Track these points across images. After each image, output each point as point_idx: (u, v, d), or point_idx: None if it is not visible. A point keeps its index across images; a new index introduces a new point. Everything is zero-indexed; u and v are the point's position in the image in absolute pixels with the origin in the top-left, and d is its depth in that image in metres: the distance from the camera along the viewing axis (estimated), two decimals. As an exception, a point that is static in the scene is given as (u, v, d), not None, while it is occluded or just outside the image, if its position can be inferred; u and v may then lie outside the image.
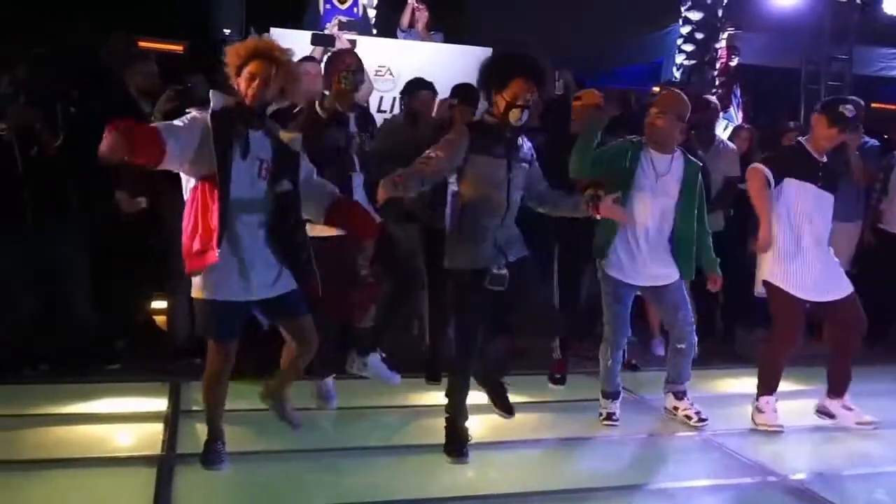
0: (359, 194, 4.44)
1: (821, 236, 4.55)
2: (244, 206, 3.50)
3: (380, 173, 4.35)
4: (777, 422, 4.56)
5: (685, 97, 4.57)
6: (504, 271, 3.81)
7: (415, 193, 3.95)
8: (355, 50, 5.73)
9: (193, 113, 3.47)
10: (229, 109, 3.48)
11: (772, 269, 4.57)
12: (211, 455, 3.66)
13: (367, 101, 5.48)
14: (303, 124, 4.42)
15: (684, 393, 4.66)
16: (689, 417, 4.58)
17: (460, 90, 5.20)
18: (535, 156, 4.02)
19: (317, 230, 4.41)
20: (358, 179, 4.46)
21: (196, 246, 3.42)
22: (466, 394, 4.00)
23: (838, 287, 4.55)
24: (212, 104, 3.46)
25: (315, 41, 6.14)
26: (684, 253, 4.46)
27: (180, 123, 3.41)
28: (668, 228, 4.45)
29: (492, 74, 3.83)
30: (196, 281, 3.50)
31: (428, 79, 5.42)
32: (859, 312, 4.58)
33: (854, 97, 5.03)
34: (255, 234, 3.55)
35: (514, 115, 3.75)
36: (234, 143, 3.45)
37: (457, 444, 3.94)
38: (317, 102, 4.49)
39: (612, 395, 4.59)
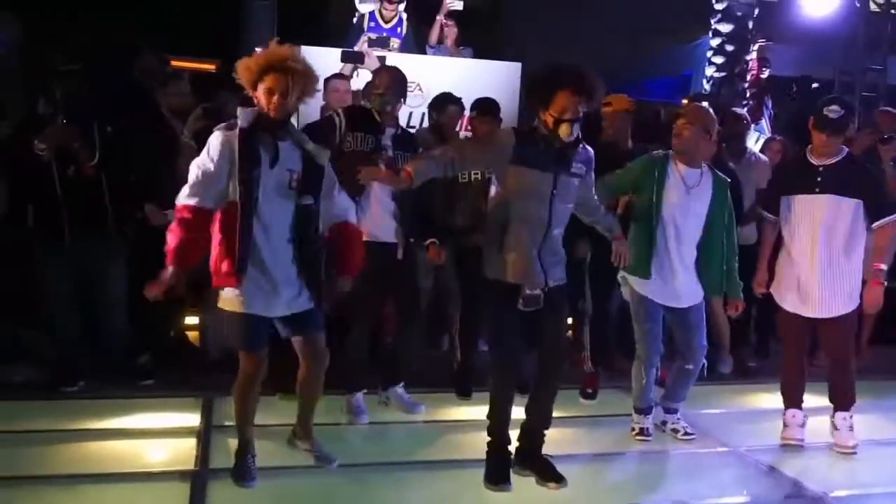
0: (384, 204, 4.50)
1: (827, 245, 4.36)
2: (274, 218, 3.53)
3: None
4: (798, 436, 4.51)
5: (712, 111, 4.53)
6: (538, 292, 3.65)
7: (439, 174, 3.74)
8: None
9: (219, 135, 3.49)
10: (255, 123, 3.51)
11: (774, 283, 4.60)
12: (241, 471, 3.67)
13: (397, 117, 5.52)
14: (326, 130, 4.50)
15: (676, 409, 4.64)
16: (675, 431, 4.58)
17: (480, 103, 5.23)
18: (590, 167, 3.80)
19: (381, 235, 4.50)
20: (384, 190, 4.47)
21: (225, 267, 3.47)
22: (508, 413, 3.78)
23: (839, 305, 4.40)
24: (240, 122, 3.50)
25: (345, 58, 6.20)
26: (712, 269, 4.42)
27: (206, 164, 3.45)
28: (696, 244, 4.41)
29: (535, 90, 3.64)
30: (225, 293, 3.55)
31: (457, 94, 5.45)
32: (847, 335, 4.48)
33: (839, 98, 4.85)
34: (282, 248, 3.58)
35: (563, 131, 3.51)
36: (263, 154, 3.50)
37: (495, 472, 3.74)
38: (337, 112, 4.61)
39: (644, 411, 4.56)
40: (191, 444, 4.16)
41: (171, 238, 3.45)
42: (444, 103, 5.43)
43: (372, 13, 7.22)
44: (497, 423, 3.77)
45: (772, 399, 5.32)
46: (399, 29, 7.20)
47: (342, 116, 4.54)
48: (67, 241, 4.77)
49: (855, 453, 4.40)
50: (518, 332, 3.76)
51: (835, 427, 4.51)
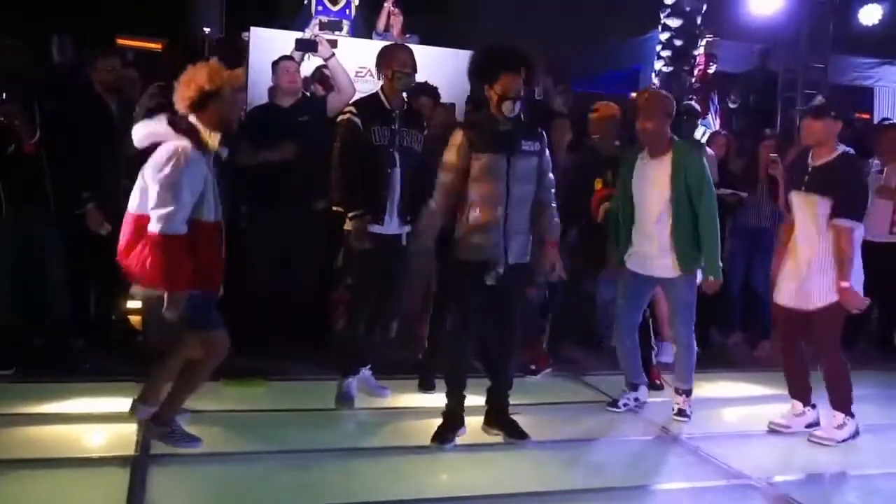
0: (396, 191, 4.54)
1: (804, 241, 4.43)
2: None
3: None
4: (781, 422, 4.66)
5: (666, 93, 4.75)
6: (500, 269, 3.91)
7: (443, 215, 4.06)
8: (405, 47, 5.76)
9: (190, 154, 3.49)
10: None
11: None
12: (187, 435, 3.77)
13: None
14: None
15: (687, 391, 4.77)
16: (673, 409, 4.75)
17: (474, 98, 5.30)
18: (543, 146, 4.09)
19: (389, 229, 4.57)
20: (396, 175, 4.54)
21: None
22: (461, 377, 4.11)
23: (808, 299, 4.45)
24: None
25: (299, 47, 6.08)
26: (682, 245, 4.52)
27: (185, 177, 3.47)
28: (666, 225, 4.52)
29: (481, 69, 3.95)
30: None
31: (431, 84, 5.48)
32: (821, 332, 4.48)
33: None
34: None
35: (506, 108, 3.90)
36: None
37: (442, 432, 4.04)
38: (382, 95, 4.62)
39: (631, 386, 4.84)
40: (131, 429, 4.07)
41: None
42: (415, 94, 5.29)
43: None
44: (453, 389, 4.10)
45: (712, 388, 5.44)
46: (347, 10, 7.16)
47: (359, 115, 4.51)
48: (4, 218, 4.63)
49: (826, 444, 4.45)
50: (480, 308, 4.04)
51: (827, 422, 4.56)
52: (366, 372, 4.81)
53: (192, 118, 3.61)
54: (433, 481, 3.77)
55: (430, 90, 5.42)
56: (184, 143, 3.51)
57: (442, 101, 5.93)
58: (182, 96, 3.59)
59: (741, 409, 5.04)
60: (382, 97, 4.62)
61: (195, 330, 3.72)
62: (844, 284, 4.35)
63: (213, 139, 3.60)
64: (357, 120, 4.48)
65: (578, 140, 5.75)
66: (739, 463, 4.13)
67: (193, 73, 3.60)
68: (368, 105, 4.60)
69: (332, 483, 3.67)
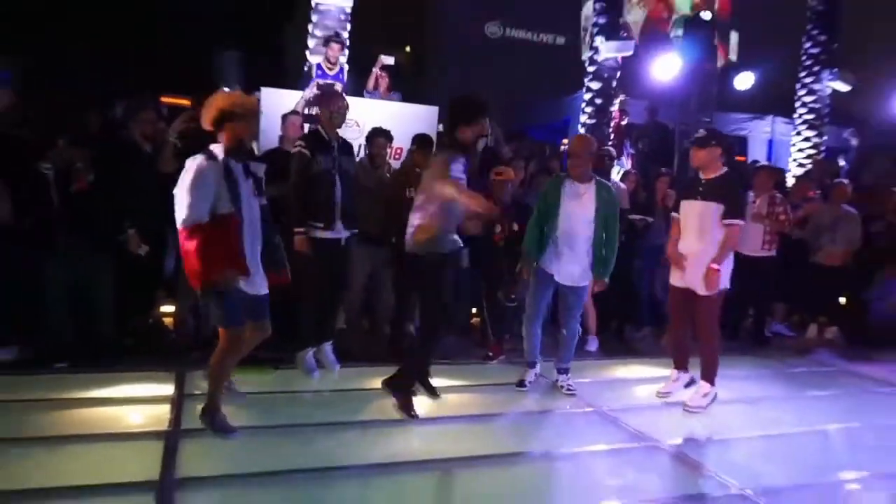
0: (338, 203, 4.62)
1: (696, 239, 4.51)
2: (251, 222, 3.60)
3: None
4: (666, 390, 4.78)
5: (590, 137, 4.92)
6: (465, 250, 4.11)
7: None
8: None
9: (203, 164, 3.44)
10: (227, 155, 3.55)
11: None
12: (224, 426, 3.64)
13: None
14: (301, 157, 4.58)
15: (566, 370, 4.84)
16: (561, 387, 4.81)
17: (418, 138, 5.44)
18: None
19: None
20: (337, 191, 4.61)
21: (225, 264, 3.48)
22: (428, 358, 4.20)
23: (696, 285, 4.51)
24: (220, 157, 3.52)
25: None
26: (596, 257, 4.63)
27: (202, 187, 3.41)
28: (587, 238, 4.60)
29: (462, 111, 4.03)
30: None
31: (386, 128, 5.48)
32: (701, 316, 4.54)
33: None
34: (255, 242, 3.64)
35: (480, 144, 4.22)
36: (239, 174, 3.57)
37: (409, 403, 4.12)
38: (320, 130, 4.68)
39: (529, 364, 4.84)
40: (165, 409, 4.00)
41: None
42: (373, 136, 5.47)
43: (318, 64, 7.28)
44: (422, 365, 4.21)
45: (626, 371, 5.48)
46: (341, 75, 7.24)
47: (308, 148, 4.56)
48: (61, 248, 4.52)
49: (697, 412, 4.52)
50: (450, 288, 4.16)
51: (695, 391, 4.63)
52: (328, 346, 4.85)
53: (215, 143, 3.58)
54: (390, 449, 3.72)
55: (384, 133, 5.47)
56: (198, 159, 3.48)
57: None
58: (206, 117, 3.58)
59: (650, 387, 5.06)
60: (323, 132, 4.67)
61: (221, 326, 3.62)
62: (714, 266, 4.41)
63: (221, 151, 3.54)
64: (307, 151, 4.56)
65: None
66: (649, 429, 4.16)
67: (214, 97, 3.61)
68: (313, 139, 4.68)
69: (328, 449, 3.63)
